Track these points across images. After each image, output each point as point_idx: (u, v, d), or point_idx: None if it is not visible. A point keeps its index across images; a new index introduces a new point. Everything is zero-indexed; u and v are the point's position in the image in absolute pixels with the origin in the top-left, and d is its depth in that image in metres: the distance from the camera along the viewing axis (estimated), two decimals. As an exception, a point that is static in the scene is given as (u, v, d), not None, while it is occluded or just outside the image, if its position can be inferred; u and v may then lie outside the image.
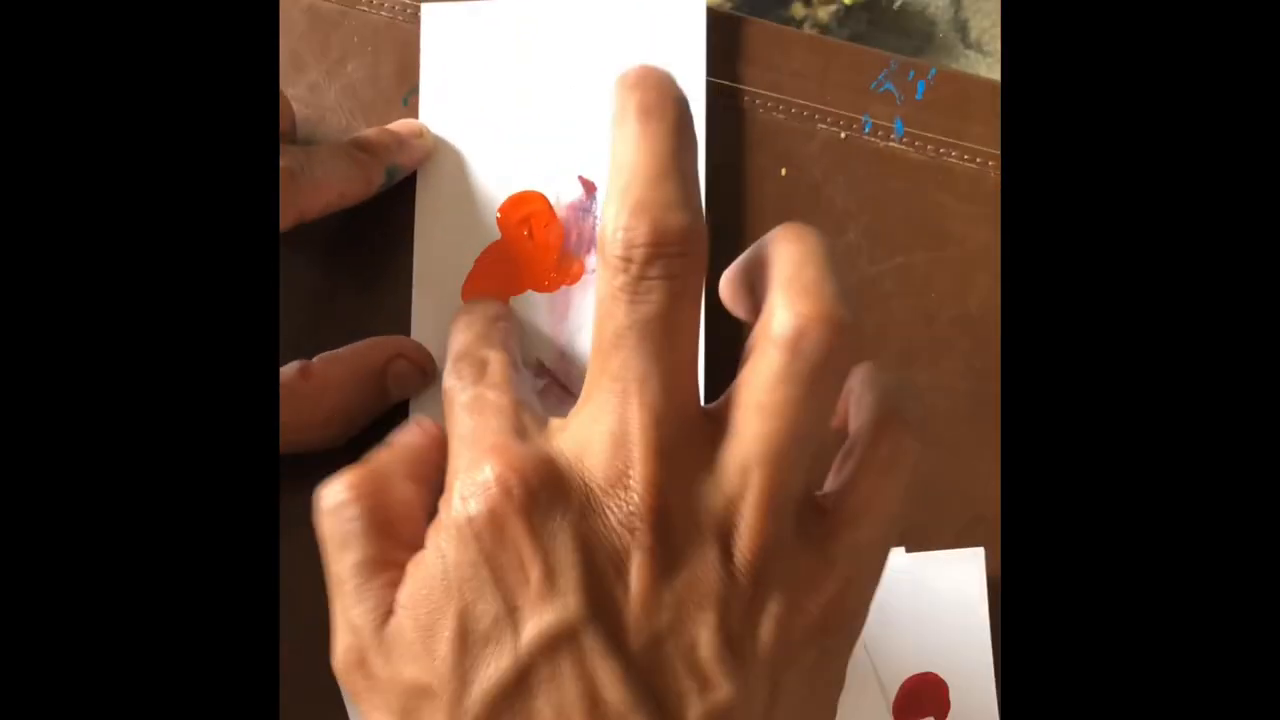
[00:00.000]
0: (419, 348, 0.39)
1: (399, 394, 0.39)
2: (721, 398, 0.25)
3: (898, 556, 0.38)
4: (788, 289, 0.24)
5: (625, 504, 0.24)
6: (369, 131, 0.41)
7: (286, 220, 0.38)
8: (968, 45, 0.57)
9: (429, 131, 0.41)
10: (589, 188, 0.41)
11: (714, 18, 0.41)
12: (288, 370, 0.38)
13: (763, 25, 0.42)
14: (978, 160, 0.40)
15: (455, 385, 0.29)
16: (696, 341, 0.25)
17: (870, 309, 0.39)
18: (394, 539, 0.27)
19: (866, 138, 0.41)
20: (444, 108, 0.42)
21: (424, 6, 0.42)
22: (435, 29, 0.42)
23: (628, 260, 0.24)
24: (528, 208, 0.41)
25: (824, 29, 0.53)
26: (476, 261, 0.41)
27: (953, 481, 0.38)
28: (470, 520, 0.24)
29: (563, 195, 0.41)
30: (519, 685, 0.24)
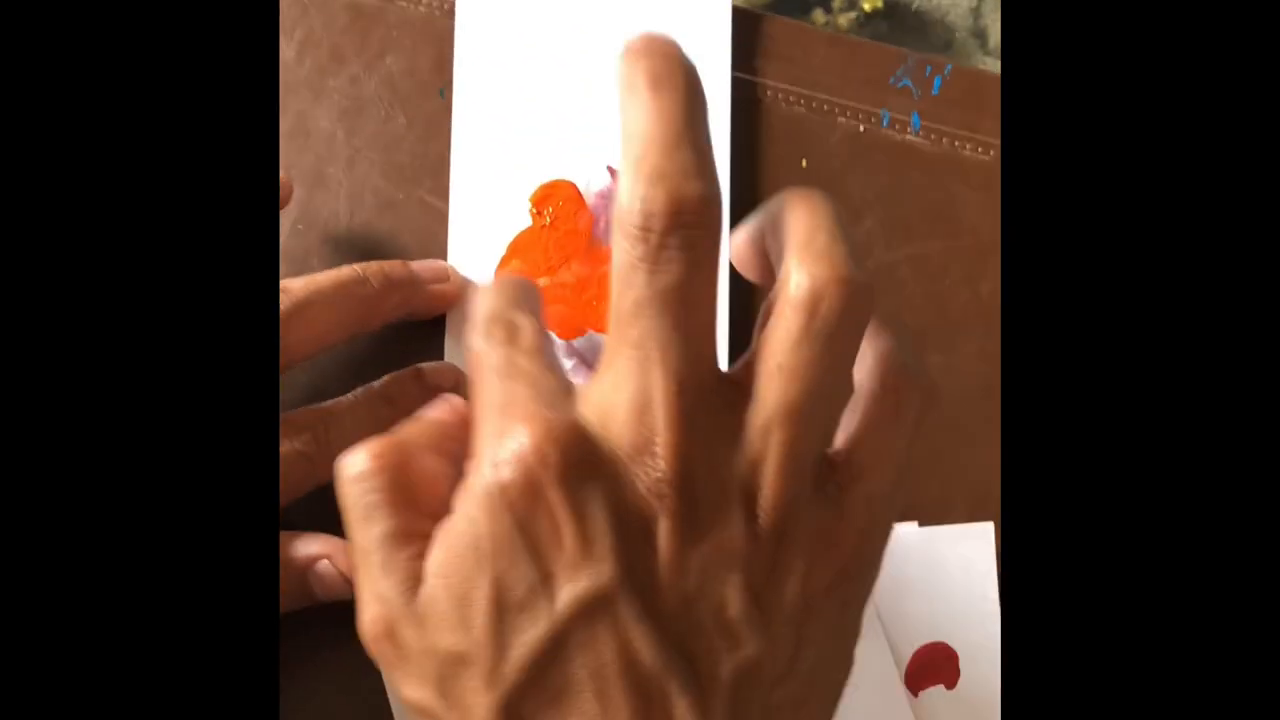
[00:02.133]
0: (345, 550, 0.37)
1: (323, 596, 0.38)
2: (740, 361, 0.26)
3: (910, 531, 0.39)
4: (802, 253, 0.25)
5: (652, 471, 0.24)
6: (389, 270, 0.40)
7: (303, 490, 0.38)
8: (986, 53, 0.58)
9: (456, 274, 0.42)
10: (617, 176, 0.43)
11: (737, 14, 0.43)
12: None
13: (785, 22, 0.44)
14: (991, 152, 0.42)
15: (484, 348, 0.27)
16: (714, 308, 0.25)
17: (886, 295, 0.41)
18: (418, 511, 0.27)
19: (885, 131, 0.43)
20: (478, 98, 0.44)
21: (459, 1, 0.44)
22: (469, 23, 0.44)
23: (647, 230, 0.24)
24: (558, 195, 0.43)
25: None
26: (509, 247, 0.43)
27: (964, 460, 0.40)
28: (504, 488, 0.24)
29: (592, 183, 0.43)
30: (555, 650, 0.24)
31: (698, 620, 0.25)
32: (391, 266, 0.40)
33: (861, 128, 0.43)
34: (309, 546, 0.38)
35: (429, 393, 0.40)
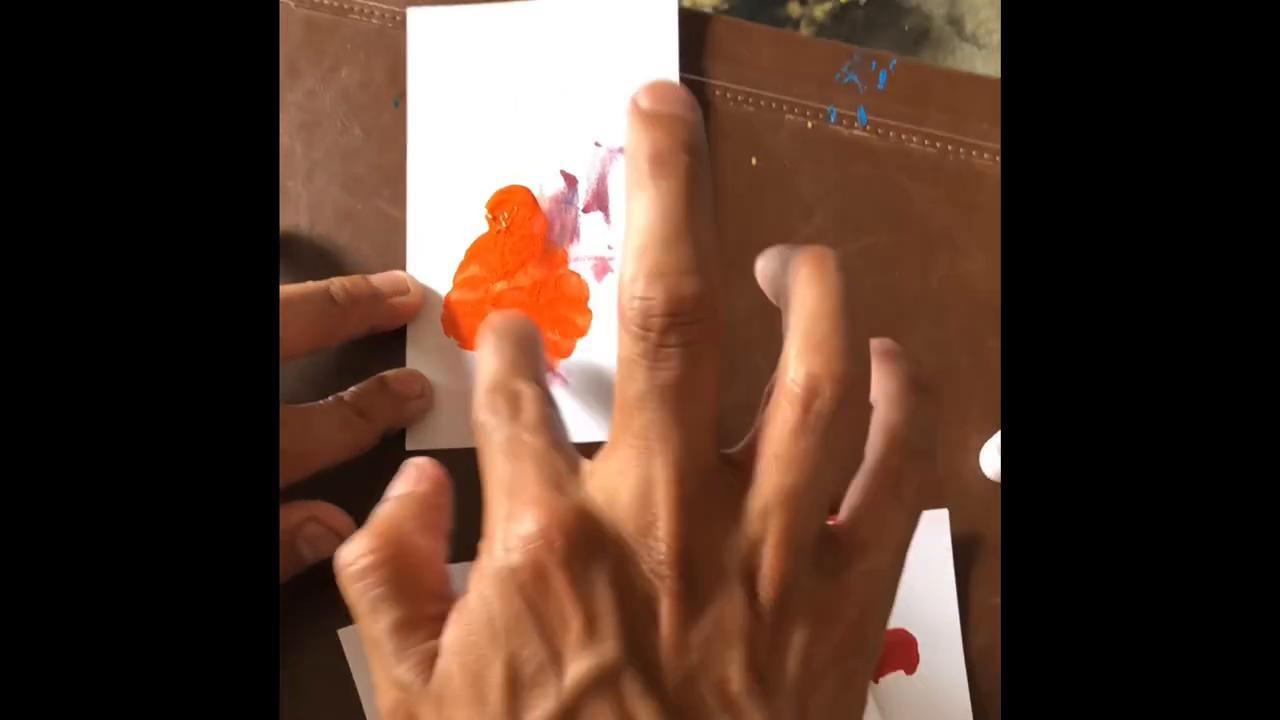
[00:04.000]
0: (331, 511, 0.40)
1: (313, 556, 0.40)
2: (743, 443, 0.27)
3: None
4: (802, 342, 0.26)
5: (653, 553, 0.25)
6: (351, 287, 0.41)
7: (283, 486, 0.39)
8: (964, 39, 0.58)
9: (415, 284, 0.43)
10: (570, 181, 0.43)
11: (685, 16, 0.44)
12: None
13: (731, 22, 0.44)
14: (937, 145, 0.43)
15: (490, 422, 0.28)
16: (714, 398, 0.26)
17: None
18: (422, 595, 0.28)
19: (832, 127, 0.43)
20: (431, 107, 0.44)
21: (409, 10, 0.45)
22: (421, 32, 0.45)
23: (646, 330, 0.25)
24: (513, 200, 0.43)
25: (820, 27, 0.55)
26: (466, 252, 0.43)
27: (918, 449, 0.41)
28: (514, 571, 0.25)
29: (546, 188, 0.43)
30: None
31: (700, 695, 0.25)
32: (354, 283, 0.41)
33: (809, 124, 0.43)
34: (293, 515, 0.39)
35: (396, 400, 0.41)
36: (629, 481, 0.26)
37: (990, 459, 0.40)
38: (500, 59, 0.44)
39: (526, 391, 0.29)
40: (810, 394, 0.25)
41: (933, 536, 0.40)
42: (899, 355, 0.30)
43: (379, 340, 0.42)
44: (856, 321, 0.26)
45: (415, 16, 0.45)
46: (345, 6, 0.45)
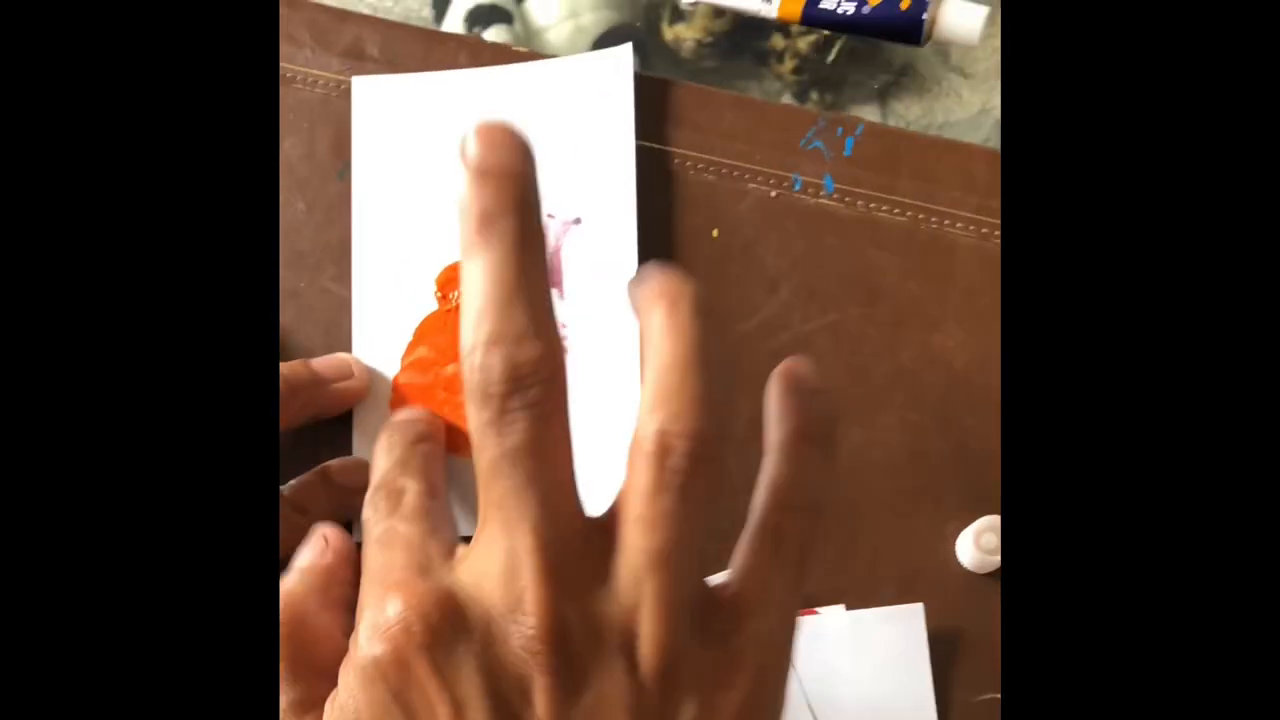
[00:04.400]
0: None
1: None
2: (609, 506, 0.26)
3: (838, 615, 0.38)
4: (654, 395, 0.24)
5: (524, 628, 0.24)
6: (290, 375, 0.39)
7: None
8: (950, 69, 0.57)
9: (361, 367, 0.41)
10: (523, 255, 0.41)
11: (642, 82, 0.42)
12: None
13: (690, 88, 0.42)
14: (908, 214, 0.41)
15: (370, 518, 0.29)
16: (570, 458, 0.25)
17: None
18: (317, 674, 0.28)
19: (797, 195, 0.41)
20: (377, 179, 0.42)
21: (354, 79, 0.43)
22: (366, 101, 0.43)
23: (487, 396, 0.24)
24: (464, 277, 0.41)
25: (803, 59, 0.53)
26: (415, 333, 0.41)
27: (890, 537, 0.38)
28: (375, 661, 0.25)
29: (497, 264, 0.41)
30: None
31: None
32: (294, 370, 0.39)
33: (773, 193, 0.41)
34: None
35: (339, 493, 0.39)
36: (495, 556, 0.25)
37: (967, 548, 0.38)
38: (449, 129, 0.42)
39: (411, 487, 0.30)
40: (662, 451, 0.24)
41: (907, 631, 0.38)
42: (801, 391, 0.28)
43: (324, 426, 0.40)
44: (711, 369, 0.25)
45: (360, 85, 0.43)
46: (288, 75, 0.43)
